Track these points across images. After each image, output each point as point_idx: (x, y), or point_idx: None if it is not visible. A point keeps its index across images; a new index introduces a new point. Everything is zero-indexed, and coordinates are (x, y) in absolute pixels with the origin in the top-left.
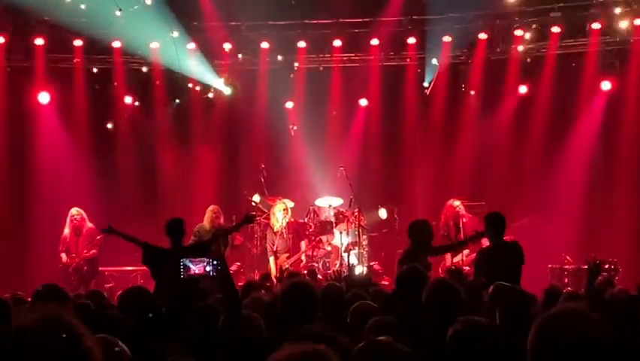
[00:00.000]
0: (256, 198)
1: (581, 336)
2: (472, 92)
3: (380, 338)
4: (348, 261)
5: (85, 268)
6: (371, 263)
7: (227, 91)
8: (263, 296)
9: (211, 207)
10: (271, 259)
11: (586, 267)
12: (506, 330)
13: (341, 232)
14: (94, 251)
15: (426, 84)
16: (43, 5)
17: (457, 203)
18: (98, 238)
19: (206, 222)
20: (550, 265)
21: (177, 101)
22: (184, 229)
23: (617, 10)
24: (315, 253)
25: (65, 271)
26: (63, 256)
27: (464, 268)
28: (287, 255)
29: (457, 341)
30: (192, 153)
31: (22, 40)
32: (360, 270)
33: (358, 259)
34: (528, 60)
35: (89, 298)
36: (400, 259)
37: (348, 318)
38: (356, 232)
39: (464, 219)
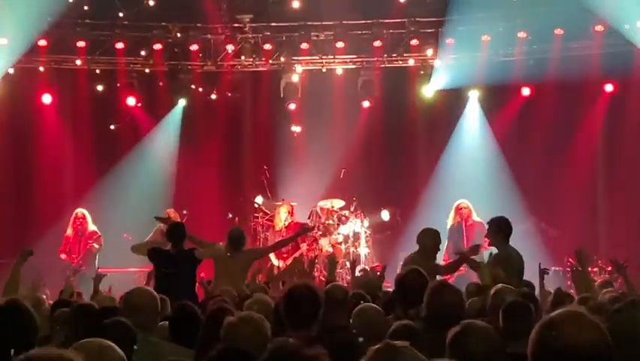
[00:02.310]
0: (259, 199)
1: (581, 340)
2: (475, 94)
3: (397, 342)
4: (352, 263)
5: (83, 268)
6: (374, 265)
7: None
8: (266, 298)
9: (167, 212)
10: (271, 256)
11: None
12: (508, 332)
13: (343, 234)
14: (97, 249)
15: (428, 86)
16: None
17: (464, 205)
18: (97, 236)
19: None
20: (553, 268)
21: (183, 102)
22: (185, 233)
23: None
24: (316, 255)
25: (65, 271)
26: (63, 256)
27: (460, 269)
28: (285, 255)
29: (457, 343)
30: (195, 153)
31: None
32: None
33: (360, 261)
34: (531, 62)
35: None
36: (403, 263)
37: (352, 320)
38: (358, 234)
39: (469, 222)
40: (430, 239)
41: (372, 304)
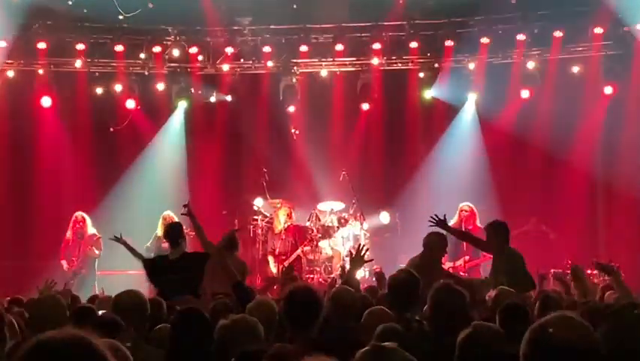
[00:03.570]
0: (258, 202)
1: (574, 344)
2: (474, 96)
3: (385, 343)
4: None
5: (83, 271)
6: (373, 267)
7: (229, 101)
8: (269, 300)
9: (164, 215)
10: (270, 259)
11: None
12: (506, 334)
13: (343, 236)
14: (97, 252)
15: (427, 88)
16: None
17: (465, 207)
18: (97, 239)
19: (159, 230)
20: (552, 270)
21: (183, 105)
22: (183, 234)
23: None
24: (315, 258)
25: (65, 275)
26: (64, 263)
27: (462, 274)
28: (283, 257)
29: (468, 346)
30: (194, 156)
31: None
32: (362, 274)
33: None
34: (530, 65)
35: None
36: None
37: (363, 321)
38: (358, 236)
39: (470, 227)
40: (436, 243)
41: (383, 307)
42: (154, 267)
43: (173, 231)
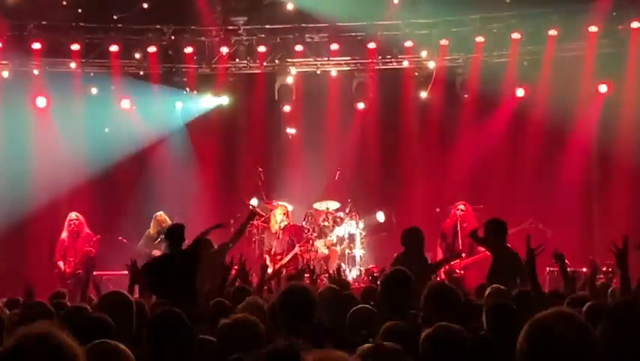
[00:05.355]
0: (254, 201)
1: (571, 340)
2: (466, 96)
3: (386, 343)
4: (347, 265)
5: (79, 271)
6: (369, 266)
7: (224, 101)
8: (259, 300)
9: (156, 215)
10: (266, 259)
11: (584, 270)
12: (493, 334)
13: (338, 236)
14: (91, 250)
15: (423, 88)
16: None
17: (460, 207)
18: (95, 239)
19: (152, 229)
20: (548, 268)
21: (179, 105)
22: (184, 235)
23: (614, 13)
24: (311, 257)
25: (62, 275)
26: (60, 264)
27: (458, 271)
28: (279, 257)
29: (429, 346)
30: (190, 156)
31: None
32: (356, 273)
33: (356, 263)
34: (525, 63)
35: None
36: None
37: (348, 320)
38: (354, 236)
39: (465, 225)
40: (413, 238)
41: (369, 306)
42: (154, 270)
43: (175, 232)
